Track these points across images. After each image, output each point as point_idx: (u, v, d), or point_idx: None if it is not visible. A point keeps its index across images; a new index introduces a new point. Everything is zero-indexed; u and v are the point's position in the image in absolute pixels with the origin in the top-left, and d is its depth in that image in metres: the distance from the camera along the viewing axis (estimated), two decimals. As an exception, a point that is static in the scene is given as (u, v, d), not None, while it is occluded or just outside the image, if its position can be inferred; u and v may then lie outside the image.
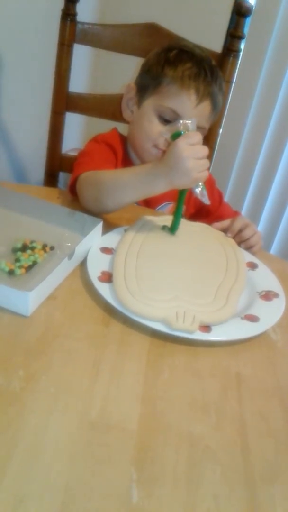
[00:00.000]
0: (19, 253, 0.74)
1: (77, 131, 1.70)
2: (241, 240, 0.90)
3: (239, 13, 1.11)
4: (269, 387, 0.63)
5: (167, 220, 0.86)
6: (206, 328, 0.67)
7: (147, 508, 0.45)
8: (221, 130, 1.29)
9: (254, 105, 1.72)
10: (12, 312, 0.63)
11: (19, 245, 0.76)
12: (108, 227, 0.83)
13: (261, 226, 1.92)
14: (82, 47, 1.17)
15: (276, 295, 0.77)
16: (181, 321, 0.65)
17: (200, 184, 0.76)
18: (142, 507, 0.45)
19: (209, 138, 1.15)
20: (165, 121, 0.91)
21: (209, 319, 0.67)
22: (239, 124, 1.74)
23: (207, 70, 0.91)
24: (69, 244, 0.78)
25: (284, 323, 0.73)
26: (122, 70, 1.17)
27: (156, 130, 0.92)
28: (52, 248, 0.77)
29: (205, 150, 0.75)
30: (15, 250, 0.75)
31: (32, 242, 0.77)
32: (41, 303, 0.66)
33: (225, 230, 0.90)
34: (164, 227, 0.85)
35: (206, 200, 0.77)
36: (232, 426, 0.56)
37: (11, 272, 0.70)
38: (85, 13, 1.17)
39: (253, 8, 1.16)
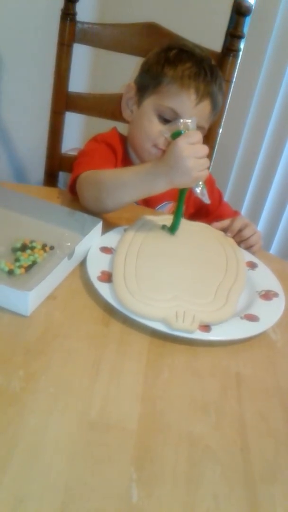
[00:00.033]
0: (18, 253, 0.74)
1: (77, 130, 1.70)
2: (241, 239, 0.90)
3: (239, 12, 1.11)
4: (269, 387, 0.63)
5: (167, 219, 0.86)
6: (206, 327, 0.67)
7: (147, 508, 0.45)
8: (221, 130, 1.29)
9: (254, 105, 1.72)
10: (12, 312, 0.63)
11: (18, 245, 0.76)
12: (108, 226, 0.83)
13: (261, 226, 1.92)
14: (82, 46, 1.17)
15: (276, 294, 0.77)
16: (180, 320, 0.65)
17: (201, 183, 0.76)
18: (142, 507, 0.45)
19: (208, 138, 1.15)
20: (165, 120, 0.91)
21: (209, 319, 0.67)
22: (239, 124, 1.74)
23: (207, 69, 0.91)
24: (68, 243, 0.78)
25: (284, 323, 0.73)
26: (122, 70, 1.17)
27: (156, 129, 0.92)
28: (51, 248, 0.77)
29: (205, 149, 0.75)
30: (14, 250, 0.75)
31: (31, 242, 0.77)
32: (40, 303, 0.66)
33: (225, 230, 0.90)
34: (163, 227, 0.85)
35: (206, 199, 0.77)
36: (232, 426, 0.56)
37: (10, 272, 0.70)
38: (84, 12, 1.17)
39: (253, 7, 1.16)
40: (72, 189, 0.91)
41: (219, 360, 0.65)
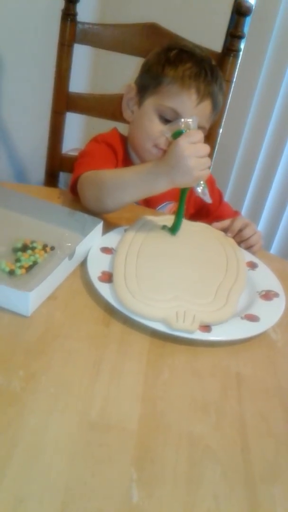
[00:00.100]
0: (19, 253, 0.74)
1: (77, 131, 1.70)
2: (241, 239, 0.90)
3: (239, 12, 1.11)
4: (269, 387, 0.63)
5: (167, 220, 0.86)
6: (206, 328, 0.67)
7: (147, 508, 0.45)
8: (221, 130, 1.29)
9: (254, 105, 1.72)
10: (13, 312, 0.63)
11: (19, 245, 0.76)
12: (108, 227, 0.83)
13: (261, 226, 1.92)
14: (82, 47, 1.17)
15: (276, 294, 0.77)
16: (181, 321, 0.65)
17: (202, 182, 0.76)
18: (142, 507, 0.45)
19: (209, 138, 1.15)
20: (166, 120, 0.91)
21: (209, 319, 0.67)
22: (239, 123, 1.74)
23: (207, 69, 0.91)
24: (69, 244, 0.78)
25: (284, 323, 0.73)
26: (122, 70, 1.18)
27: (156, 129, 0.92)
28: (52, 248, 0.77)
29: (206, 148, 0.75)
30: (15, 250, 0.75)
31: (32, 242, 0.77)
32: (41, 303, 0.66)
33: (225, 230, 0.90)
34: (164, 227, 0.85)
35: (208, 199, 0.77)
36: (232, 426, 0.56)
37: (11, 272, 0.70)
38: (85, 13, 1.17)
39: (253, 7, 1.16)
40: (73, 189, 0.91)
41: (220, 360, 0.65)
